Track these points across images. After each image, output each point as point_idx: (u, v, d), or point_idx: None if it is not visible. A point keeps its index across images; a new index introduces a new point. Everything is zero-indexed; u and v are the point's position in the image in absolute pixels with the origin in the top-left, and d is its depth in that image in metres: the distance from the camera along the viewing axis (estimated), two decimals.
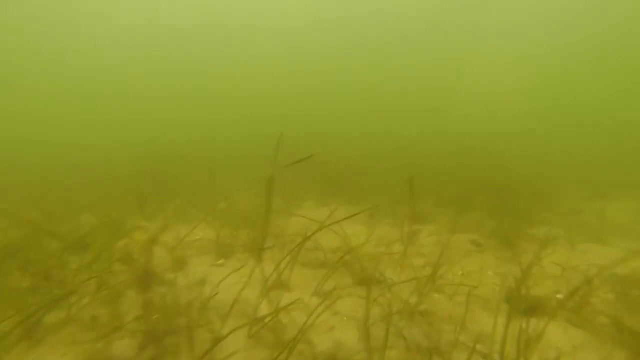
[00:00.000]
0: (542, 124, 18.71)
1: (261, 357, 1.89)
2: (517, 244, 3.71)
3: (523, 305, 2.44)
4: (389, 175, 7.13)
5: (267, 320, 2.09)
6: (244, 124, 19.39)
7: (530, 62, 31.92)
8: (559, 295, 2.80)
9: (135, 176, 7.51)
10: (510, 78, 31.32)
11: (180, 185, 6.56)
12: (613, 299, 2.71)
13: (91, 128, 19.04)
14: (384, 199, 5.37)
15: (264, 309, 2.30)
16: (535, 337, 1.94)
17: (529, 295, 2.73)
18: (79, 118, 22.12)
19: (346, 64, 35.20)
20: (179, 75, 33.45)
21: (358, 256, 3.65)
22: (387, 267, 3.39)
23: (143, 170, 8.20)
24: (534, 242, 3.75)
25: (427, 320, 2.35)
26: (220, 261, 3.41)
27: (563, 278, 3.02)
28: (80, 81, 31.71)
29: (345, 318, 2.35)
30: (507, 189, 6.10)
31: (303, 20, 35.83)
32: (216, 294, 2.40)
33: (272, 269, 2.69)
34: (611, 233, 4.25)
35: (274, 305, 2.33)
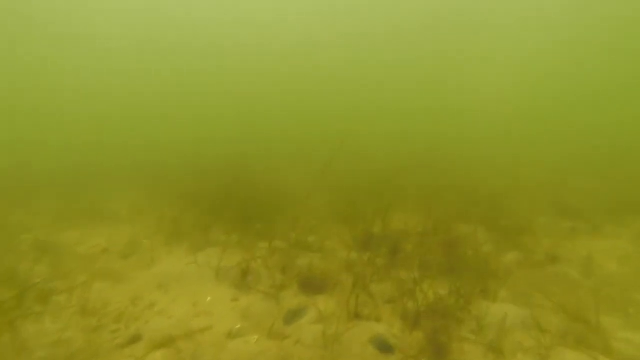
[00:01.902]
0: (512, 129, 16.20)
1: None
2: (451, 348, 2.24)
3: None
4: (319, 196, 5.62)
5: None
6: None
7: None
8: None
9: None
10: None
11: None
12: None
13: None
14: (280, 243, 3.85)
15: None
16: None
17: None
18: None
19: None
20: None
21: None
22: None
23: None
24: (477, 347, 2.28)
25: None
26: None
27: None
28: None
29: None
30: (465, 218, 4.65)
31: None
32: None
33: None
34: (601, 308, 2.82)
35: None
